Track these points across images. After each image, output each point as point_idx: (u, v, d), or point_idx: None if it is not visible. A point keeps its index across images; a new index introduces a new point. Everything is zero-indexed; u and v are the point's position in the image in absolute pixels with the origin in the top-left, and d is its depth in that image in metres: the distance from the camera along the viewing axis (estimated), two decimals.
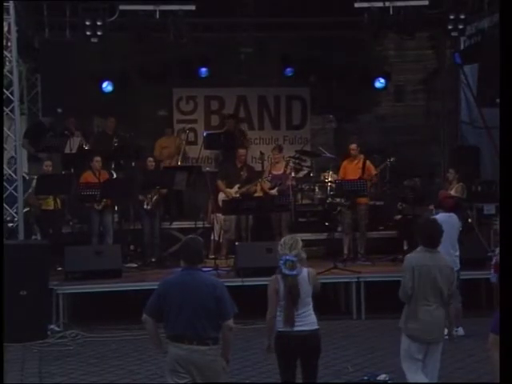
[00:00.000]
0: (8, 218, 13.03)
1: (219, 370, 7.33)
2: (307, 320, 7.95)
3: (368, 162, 14.67)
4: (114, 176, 15.16)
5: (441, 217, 11.33)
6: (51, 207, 14.27)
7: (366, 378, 9.52)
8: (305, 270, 8.01)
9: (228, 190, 14.69)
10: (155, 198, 14.53)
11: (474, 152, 15.74)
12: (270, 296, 8.03)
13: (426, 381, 8.57)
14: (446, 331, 10.39)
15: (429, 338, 8.49)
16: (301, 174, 15.87)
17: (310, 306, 7.99)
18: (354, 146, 14.75)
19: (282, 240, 8.27)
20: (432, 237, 8.55)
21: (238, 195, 14.69)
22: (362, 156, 14.67)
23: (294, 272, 7.90)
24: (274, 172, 15.26)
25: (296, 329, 7.90)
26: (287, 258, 7.91)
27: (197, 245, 7.62)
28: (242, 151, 15.33)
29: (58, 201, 14.41)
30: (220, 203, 14.70)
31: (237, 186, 14.74)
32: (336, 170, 15.31)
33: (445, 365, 9.80)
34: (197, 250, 7.55)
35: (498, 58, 14.64)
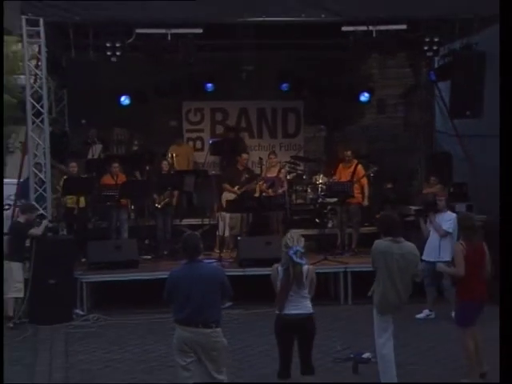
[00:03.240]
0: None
1: (221, 349, 7.47)
2: (304, 305, 8.02)
3: (359, 167, 14.79)
4: (138, 178, 15.28)
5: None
6: (76, 206, 14.40)
7: (351, 355, 9.67)
8: (307, 265, 8.13)
9: (234, 189, 14.82)
10: (166, 200, 14.71)
11: (447, 157, 15.77)
12: (274, 281, 8.13)
13: (392, 351, 8.78)
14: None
15: (392, 310, 8.70)
16: (293, 176, 15.99)
17: (307, 292, 8.08)
18: (349, 152, 14.89)
19: (288, 234, 8.36)
20: (392, 227, 8.80)
21: (240, 194, 14.79)
22: (355, 161, 14.82)
23: (304, 261, 8.05)
24: (269, 175, 15.42)
25: (294, 312, 7.96)
26: (297, 248, 8.00)
27: (194, 240, 7.73)
28: (244, 156, 15.44)
29: (83, 200, 14.58)
30: (223, 202, 14.74)
31: (237, 187, 14.87)
32: (326, 173, 15.45)
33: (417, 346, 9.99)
34: (194, 244, 7.64)
35: (467, 75, 14.87)
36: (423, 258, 11.59)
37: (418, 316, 11.59)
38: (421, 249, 11.87)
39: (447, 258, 11.50)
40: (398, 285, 8.68)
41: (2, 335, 8.38)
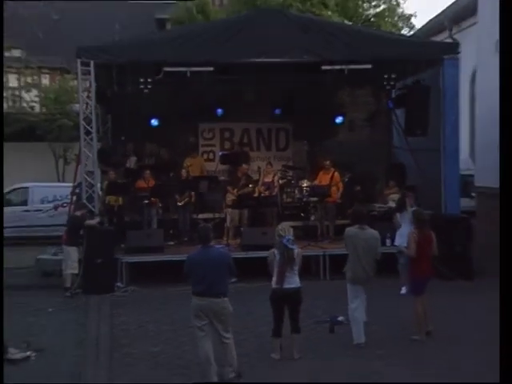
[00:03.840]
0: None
1: (228, 314, 7.51)
2: (294, 280, 8.08)
3: (336, 173, 14.70)
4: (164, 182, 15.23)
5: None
6: (116, 204, 14.44)
7: (328, 319, 9.62)
8: (296, 250, 8.18)
9: (234, 191, 14.72)
10: (186, 199, 14.66)
11: (401, 167, 15.70)
12: (270, 263, 8.17)
13: (363, 313, 8.91)
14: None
15: (361, 282, 8.78)
16: (284, 181, 15.96)
17: (296, 271, 8.11)
18: (328, 162, 14.81)
19: (280, 226, 8.48)
20: (360, 218, 8.99)
21: (237, 195, 14.69)
22: (332, 169, 14.80)
23: (295, 247, 8.11)
24: (266, 180, 15.31)
25: (286, 286, 8.01)
26: (289, 237, 8.08)
27: (207, 230, 7.76)
28: (244, 166, 15.37)
29: (121, 199, 14.58)
30: (227, 201, 14.68)
31: (235, 190, 14.75)
32: (309, 179, 15.44)
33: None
34: (207, 233, 7.66)
35: (417, 103, 14.90)
36: (395, 243, 11.54)
37: (402, 292, 11.27)
38: (393, 236, 12.04)
39: None
40: (364, 262, 8.77)
41: (2, 335, 7.92)
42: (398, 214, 12.11)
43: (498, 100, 15.68)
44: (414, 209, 10.68)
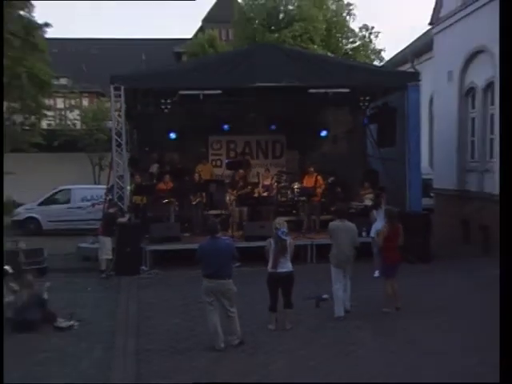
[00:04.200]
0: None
1: (232, 293, 7.49)
2: (286, 265, 8.03)
3: (319, 177, 14.61)
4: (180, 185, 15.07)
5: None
6: (141, 202, 14.30)
7: (315, 296, 9.50)
8: (289, 240, 8.13)
9: (234, 192, 14.49)
10: (198, 199, 14.55)
11: (374, 172, 15.63)
12: (267, 251, 8.11)
13: (347, 296, 8.87)
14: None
15: (343, 266, 8.73)
16: (279, 184, 15.88)
17: (289, 258, 8.05)
18: (311, 168, 14.76)
19: (276, 220, 8.42)
20: (341, 214, 9.07)
21: (237, 195, 14.45)
22: (315, 173, 14.72)
23: (288, 238, 8.05)
24: (265, 183, 15.19)
25: (280, 270, 7.96)
26: (284, 229, 8.04)
27: (214, 224, 7.79)
28: (241, 171, 15.10)
29: (145, 199, 14.47)
30: (227, 200, 14.49)
31: (235, 191, 14.52)
32: (300, 182, 15.34)
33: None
34: (214, 227, 7.67)
35: (386, 121, 14.90)
36: (371, 235, 11.39)
37: (375, 275, 11.10)
38: (368, 229, 11.94)
39: None
40: (345, 250, 8.73)
41: (2, 336, 7.36)
42: (374, 211, 12.05)
43: (452, 119, 15.85)
44: (386, 207, 10.61)
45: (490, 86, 14.12)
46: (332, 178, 15.32)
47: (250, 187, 14.79)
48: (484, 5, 13.92)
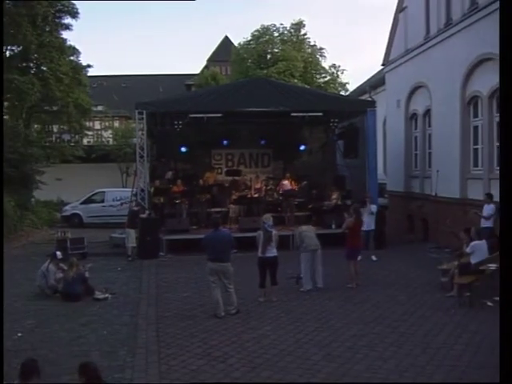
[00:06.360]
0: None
1: (231, 273, 7.45)
2: (272, 251, 8.00)
3: (293, 182, 14.66)
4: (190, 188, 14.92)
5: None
6: (159, 201, 14.06)
7: (295, 275, 9.24)
8: (274, 232, 8.10)
9: (236, 194, 14.41)
10: (203, 198, 14.42)
11: (342, 178, 15.60)
12: (258, 240, 8.07)
13: (308, 271, 8.77)
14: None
15: (314, 248, 8.70)
16: (267, 187, 15.77)
17: (274, 245, 8.02)
18: (288, 174, 14.83)
19: (264, 216, 8.38)
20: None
21: (238, 196, 14.41)
22: (290, 178, 14.73)
23: (272, 230, 8.02)
24: (256, 187, 15.07)
25: (267, 255, 7.94)
26: (270, 223, 8.03)
27: (216, 219, 7.81)
28: (244, 177, 14.99)
29: (162, 199, 14.31)
30: (231, 199, 14.37)
31: (237, 193, 14.42)
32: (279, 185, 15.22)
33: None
34: (216, 221, 7.67)
35: (351, 137, 14.89)
36: (362, 228, 10.59)
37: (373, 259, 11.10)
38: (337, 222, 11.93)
39: (372, 227, 11.63)
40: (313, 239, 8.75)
41: (2, 337, 5.56)
42: (361, 209, 12.00)
43: (400, 137, 16.00)
44: (354, 205, 10.54)
45: (427, 112, 14.66)
46: (305, 182, 15.23)
47: (247, 190, 14.76)
48: (424, 50, 14.53)
